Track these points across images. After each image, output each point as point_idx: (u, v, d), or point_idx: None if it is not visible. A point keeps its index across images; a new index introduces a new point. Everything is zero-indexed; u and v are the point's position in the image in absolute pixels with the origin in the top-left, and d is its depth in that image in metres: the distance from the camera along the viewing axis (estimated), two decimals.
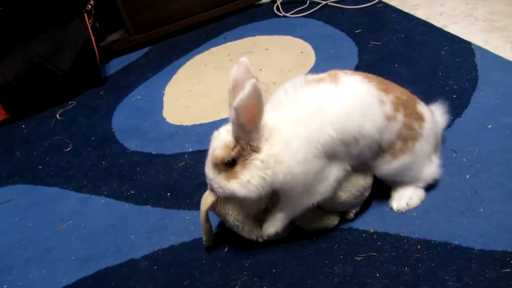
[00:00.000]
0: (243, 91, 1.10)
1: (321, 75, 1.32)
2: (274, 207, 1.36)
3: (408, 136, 1.33)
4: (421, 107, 1.40)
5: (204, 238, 1.44)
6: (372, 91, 1.27)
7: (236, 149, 1.21)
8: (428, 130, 1.38)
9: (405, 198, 1.45)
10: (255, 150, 1.21)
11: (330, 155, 1.23)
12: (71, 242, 1.66)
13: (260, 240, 1.42)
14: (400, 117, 1.30)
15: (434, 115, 1.49)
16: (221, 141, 1.23)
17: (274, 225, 1.36)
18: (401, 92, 1.36)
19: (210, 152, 1.28)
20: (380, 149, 1.32)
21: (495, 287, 1.19)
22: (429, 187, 1.50)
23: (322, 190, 1.26)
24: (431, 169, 1.44)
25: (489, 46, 2.14)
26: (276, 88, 2.15)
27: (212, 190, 1.32)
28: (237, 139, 1.21)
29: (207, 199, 1.35)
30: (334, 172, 1.27)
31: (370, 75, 1.35)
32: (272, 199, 1.35)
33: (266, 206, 1.38)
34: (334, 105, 1.22)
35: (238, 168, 1.23)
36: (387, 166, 1.36)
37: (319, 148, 1.21)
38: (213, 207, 1.36)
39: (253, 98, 1.11)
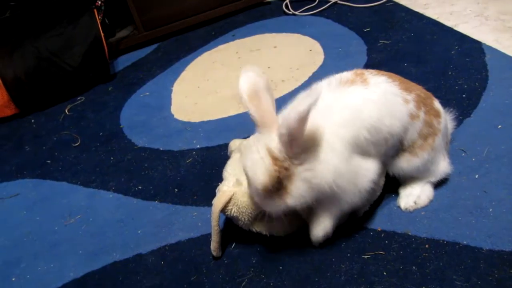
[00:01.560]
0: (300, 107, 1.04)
1: (350, 76, 1.32)
2: (319, 210, 1.31)
3: (428, 134, 1.35)
4: (437, 103, 1.43)
5: (213, 245, 1.41)
6: (397, 92, 1.30)
7: (278, 173, 1.16)
8: (444, 125, 1.42)
9: (413, 197, 1.44)
10: (298, 164, 1.17)
11: (363, 153, 1.25)
12: (79, 236, 1.67)
13: (270, 234, 1.42)
14: (422, 115, 1.33)
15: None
16: (262, 169, 1.16)
17: (324, 229, 1.33)
18: (420, 90, 1.38)
19: (248, 181, 1.24)
20: (401, 147, 1.34)
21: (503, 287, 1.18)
22: (438, 187, 1.49)
23: (367, 187, 1.26)
24: (445, 164, 1.46)
25: (499, 46, 2.12)
26: (285, 86, 2.18)
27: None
28: (277, 161, 1.15)
29: (220, 199, 1.36)
30: (372, 168, 1.27)
31: (392, 74, 1.37)
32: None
33: None
34: (368, 109, 1.24)
35: (287, 185, 1.18)
36: (407, 165, 1.38)
37: (356, 149, 1.23)
38: (225, 207, 1.36)
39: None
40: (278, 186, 1.18)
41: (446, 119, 1.46)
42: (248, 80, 1.22)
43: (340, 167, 1.19)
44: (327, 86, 1.30)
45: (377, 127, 1.24)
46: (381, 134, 1.25)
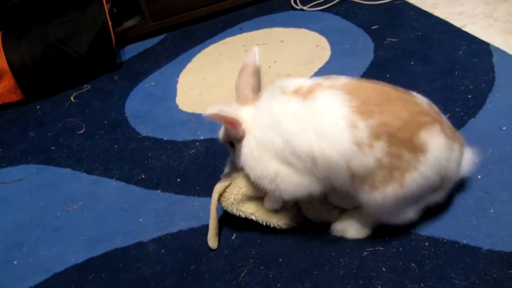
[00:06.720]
0: (227, 111, 1.31)
1: (303, 84, 1.26)
2: None
3: (394, 166, 1.16)
4: (426, 135, 1.17)
5: (210, 233, 1.43)
6: (344, 113, 1.15)
7: (225, 134, 1.41)
8: (430, 164, 1.18)
9: (345, 228, 1.38)
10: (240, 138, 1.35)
11: (287, 162, 1.24)
12: (81, 223, 1.69)
13: (272, 225, 1.43)
14: (380, 145, 1.14)
15: (454, 150, 1.27)
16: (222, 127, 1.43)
17: (270, 205, 1.43)
18: (398, 116, 1.16)
19: None
20: (355, 178, 1.19)
21: (501, 287, 1.19)
22: None
23: (284, 195, 1.30)
24: (411, 214, 1.29)
25: (508, 48, 2.11)
26: None
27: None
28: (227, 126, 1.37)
29: (219, 185, 1.40)
30: (292, 180, 1.25)
31: (364, 89, 1.22)
32: None
33: None
34: (288, 123, 1.22)
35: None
36: (367, 197, 1.22)
37: (272, 153, 1.25)
38: (223, 196, 1.41)
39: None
40: (230, 145, 1.42)
41: (443, 158, 1.21)
42: (250, 56, 1.42)
43: (247, 160, 1.31)
44: (271, 93, 1.32)
45: (296, 143, 1.19)
46: (302, 151, 1.19)
